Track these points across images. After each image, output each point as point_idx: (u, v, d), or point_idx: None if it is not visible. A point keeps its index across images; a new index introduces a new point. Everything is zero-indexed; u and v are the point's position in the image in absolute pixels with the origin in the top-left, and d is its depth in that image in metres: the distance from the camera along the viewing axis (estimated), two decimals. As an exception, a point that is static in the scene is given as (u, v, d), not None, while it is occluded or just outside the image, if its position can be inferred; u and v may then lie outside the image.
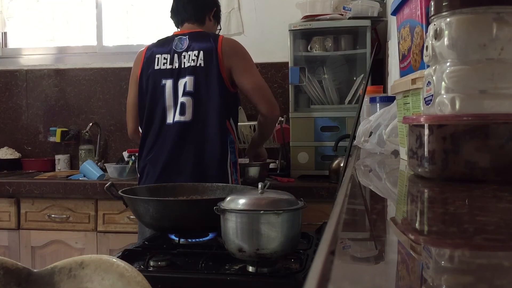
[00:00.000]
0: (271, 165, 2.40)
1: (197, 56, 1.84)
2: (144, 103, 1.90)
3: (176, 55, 1.87)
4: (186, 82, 1.84)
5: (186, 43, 1.88)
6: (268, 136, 2.15)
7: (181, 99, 1.83)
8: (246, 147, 2.56)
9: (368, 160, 1.24)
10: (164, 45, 1.92)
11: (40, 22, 3.09)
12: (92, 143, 2.90)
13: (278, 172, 2.45)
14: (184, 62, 1.86)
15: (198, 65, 1.84)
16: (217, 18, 2.09)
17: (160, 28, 2.95)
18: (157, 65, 1.88)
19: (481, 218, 0.45)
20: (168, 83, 1.86)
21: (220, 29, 2.16)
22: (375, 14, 2.40)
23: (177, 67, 1.86)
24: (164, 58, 1.88)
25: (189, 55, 1.86)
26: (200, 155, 1.82)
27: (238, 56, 1.88)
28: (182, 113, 1.83)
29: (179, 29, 2.01)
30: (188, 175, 1.78)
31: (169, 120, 1.85)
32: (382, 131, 1.23)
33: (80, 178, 2.51)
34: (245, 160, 2.36)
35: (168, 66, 1.87)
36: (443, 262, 0.34)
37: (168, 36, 1.96)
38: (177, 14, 2.01)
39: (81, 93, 2.97)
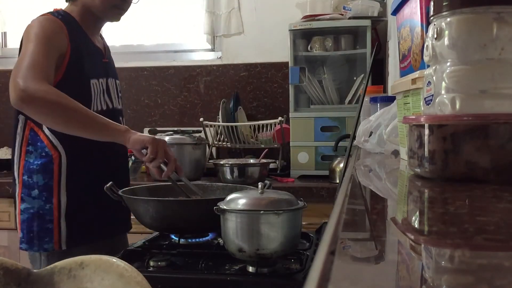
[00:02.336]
0: (271, 165, 2.40)
1: None
2: None
3: None
4: None
5: None
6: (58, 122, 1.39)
7: None
8: (246, 147, 2.56)
9: (368, 160, 1.24)
10: None
11: (40, 22, 3.09)
12: (92, 143, 2.90)
13: (278, 172, 2.45)
14: None
15: None
16: None
17: (160, 28, 2.96)
18: None
19: (481, 218, 0.45)
20: None
21: None
22: (375, 14, 2.40)
23: None
24: None
25: None
26: None
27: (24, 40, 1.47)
28: None
29: None
30: None
31: None
32: (382, 131, 1.23)
33: (80, 178, 2.51)
34: (246, 160, 2.36)
35: None
36: (443, 262, 0.34)
37: None
38: None
39: (81, 93, 2.97)
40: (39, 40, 1.41)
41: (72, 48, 1.46)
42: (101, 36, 1.68)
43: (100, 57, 1.60)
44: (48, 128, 1.44)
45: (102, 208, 1.47)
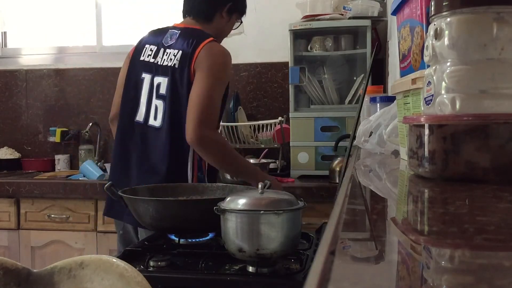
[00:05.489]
0: (271, 165, 2.39)
1: (175, 56, 1.70)
2: (124, 91, 1.83)
3: (162, 50, 1.74)
4: (160, 83, 1.72)
5: (174, 38, 1.74)
6: (222, 166, 1.80)
7: (155, 101, 1.73)
8: (246, 147, 2.56)
9: (368, 160, 1.24)
10: (156, 35, 1.80)
11: (40, 22, 3.09)
12: (92, 143, 2.90)
13: (278, 172, 2.45)
14: (164, 59, 1.72)
15: (173, 65, 1.69)
16: (232, 12, 1.85)
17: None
18: (143, 56, 1.78)
19: (481, 218, 0.45)
20: (147, 78, 1.75)
21: (241, 23, 1.94)
22: (375, 14, 2.39)
23: (158, 62, 1.74)
24: (151, 50, 1.76)
25: (170, 53, 1.72)
26: (145, 163, 1.73)
27: (207, 63, 1.66)
28: (155, 117, 1.72)
29: (181, 22, 1.87)
30: (134, 177, 1.73)
31: (139, 118, 1.75)
32: (382, 131, 1.22)
33: (80, 178, 2.51)
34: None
35: (151, 60, 1.75)
36: (443, 262, 0.34)
37: (165, 27, 1.83)
38: (183, 5, 1.87)
39: (81, 93, 2.97)
40: (222, 82, 1.69)
41: None
42: None
43: None
44: None
45: None
